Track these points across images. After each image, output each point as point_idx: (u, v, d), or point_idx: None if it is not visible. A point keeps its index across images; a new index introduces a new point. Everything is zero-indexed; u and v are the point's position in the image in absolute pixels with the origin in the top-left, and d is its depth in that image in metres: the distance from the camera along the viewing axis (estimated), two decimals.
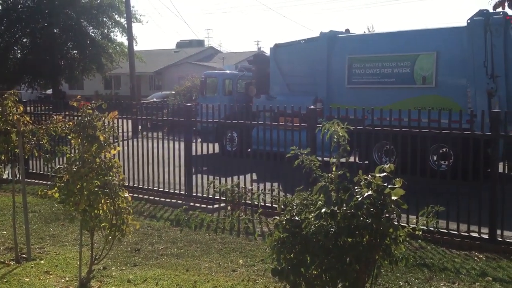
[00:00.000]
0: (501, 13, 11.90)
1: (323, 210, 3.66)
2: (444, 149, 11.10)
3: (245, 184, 9.12)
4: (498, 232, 7.01)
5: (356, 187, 3.72)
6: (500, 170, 7.31)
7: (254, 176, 9.71)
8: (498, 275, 6.00)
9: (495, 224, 6.99)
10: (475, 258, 6.61)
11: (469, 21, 12.34)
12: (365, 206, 3.57)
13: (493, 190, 7.01)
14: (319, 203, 3.75)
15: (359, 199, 3.59)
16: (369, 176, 3.71)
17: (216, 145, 13.88)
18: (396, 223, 3.70)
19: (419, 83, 13.07)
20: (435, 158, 11.49)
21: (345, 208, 3.64)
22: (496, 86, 11.86)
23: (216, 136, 14.47)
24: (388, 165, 3.73)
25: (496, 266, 6.29)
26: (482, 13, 12.24)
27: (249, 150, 9.83)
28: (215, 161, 10.18)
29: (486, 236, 7.07)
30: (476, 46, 12.07)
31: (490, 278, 5.88)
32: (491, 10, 11.96)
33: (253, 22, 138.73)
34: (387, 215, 3.60)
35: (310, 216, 3.70)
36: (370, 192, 3.59)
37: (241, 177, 9.28)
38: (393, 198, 3.60)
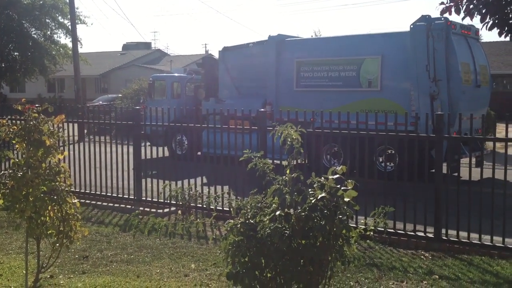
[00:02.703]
0: (442, 19, 12.29)
1: (277, 213, 3.68)
2: (390, 151, 11.39)
3: (195, 188, 9.03)
4: (443, 231, 7.25)
5: (309, 190, 3.76)
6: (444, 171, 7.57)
7: (205, 180, 9.66)
8: (444, 273, 6.19)
9: (440, 223, 7.22)
10: (422, 257, 6.81)
11: (412, 26, 12.70)
12: (318, 208, 3.61)
13: (437, 190, 7.25)
14: (273, 205, 3.76)
15: (313, 201, 3.63)
16: (322, 178, 3.75)
17: (165, 148, 13.77)
18: (348, 224, 3.76)
19: (365, 87, 13.34)
20: (381, 159, 11.79)
21: (299, 210, 3.67)
22: (438, 89, 12.25)
23: (165, 140, 14.34)
24: (340, 167, 3.79)
25: (442, 264, 6.50)
26: (424, 18, 12.62)
27: (199, 153, 9.79)
28: (165, 165, 10.05)
29: (431, 235, 7.29)
30: (419, 51, 12.44)
31: (437, 276, 6.06)
32: (433, 16, 12.41)
33: (201, 25, 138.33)
34: (340, 216, 3.66)
35: (265, 219, 3.72)
36: (323, 194, 3.64)
37: (192, 180, 9.21)
38: (346, 199, 3.66)
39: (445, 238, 7.22)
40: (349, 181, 3.76)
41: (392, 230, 7.43)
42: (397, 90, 12.91)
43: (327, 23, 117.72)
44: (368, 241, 7.16)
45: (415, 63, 12.52)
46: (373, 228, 4.30)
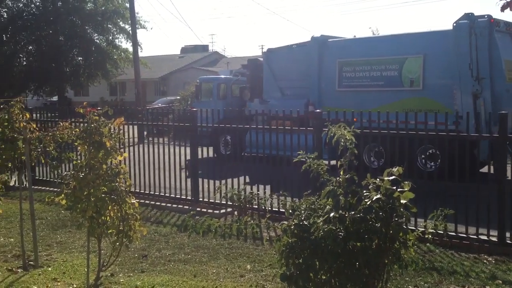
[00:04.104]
0: (486, 16, 12.20)
1: (331, 215, 3.63)
2: (431, 150, 11.40)
3: (250, 189, 9.10)
4: (507, 234, 6.96)
5: (364, 191, 3.69)
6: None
7: (259, 180, 9.68)
8: (508, 278, 5.94)
9: (504, 226, 6.94)
10: (484, 261, 6.56)
11: (455, 24, 12.56)
12: (374, 210, 3.54)
13: (501, 192, 6.97)
14: (327, 207, 3.72)
15: (368, 203, 3.56)
16: (378, 179, 3.68)
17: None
18: (405, 226, 3.67)
19: (407, 86, 13.33)
20: (423, 160, 11.77)
21: (353, 212, 3.61)
22: (481, 88, 12.05)
23: (211, 140, 14.65)
24: (397, 168, 3.71)
25: (506, 269, 6.24)
26: (467, 16, 12.47)
27: (245, 153, 9.95)
28: (220, 166, 10.16)
29: (495, 239, 7.02)
30: (462, 49, 12.29)
31: (500, 281, 5.83)
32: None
33: (257, 27, 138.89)
34: (396, 219, 3.58)
35: (319, 221, 3.67)
36: (379, 196, 3.56)
37: (242, 179, 9.30)
38: (402, 201, 3.57)
39: (510, 242, 6.94)
40: (406, 182, 3.67)
41: (453, 233, 7.21)
42: (439, 89, 12.80)
43: (386, 21, 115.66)
44: (428, 244, 6.96)
45: (457, 62, 12.36)
46: (432, 231, 4.18)
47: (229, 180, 9.34)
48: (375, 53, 13.98)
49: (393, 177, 3.65)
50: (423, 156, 12.27)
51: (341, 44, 15.24)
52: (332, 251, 3.57)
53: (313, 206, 3.83)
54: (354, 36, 16.11)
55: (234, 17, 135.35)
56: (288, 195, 8.19)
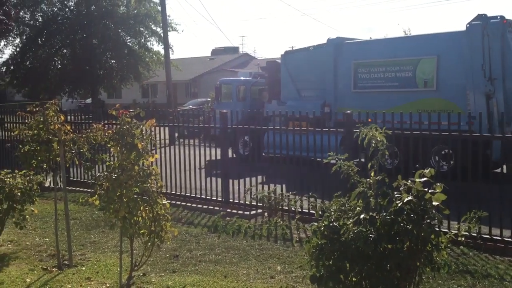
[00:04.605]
0: (498, 17, 12.27)
1: (362, 216, 3.61)
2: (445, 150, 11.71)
3: (281, 190, 9.10)
4: None
5: (395, 193, 3.66)
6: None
7: (288, 182, 9.68)
8: None
9: None
10: None
11: (468, 25, 12.64)
12: (405, 212, 3.51)
13: None
14: (357, 209, 3.70)
15: (399, 204, 3.53)
16: (409, 181, 3.64)
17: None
18: (437, 229, 3.62)
19: (421, 87, 13.50)
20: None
21: (384, 214, 3.59)
22: (494, 88, 12.12)
23: (231, 141, 14.84)
24: (428, 169, 3.66)
25: None
26: (480, 17, 12.55)
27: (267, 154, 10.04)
28: (251, 167, 10.18)
29: None
30: (475, 50, 12.39)
31: None
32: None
33: (287, 28, 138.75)
34: (428, 221, 3.53)
35: (349, 222, 3.66)
36: (410, 198, 3.53)
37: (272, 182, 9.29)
38: (434, 203, 3.53)
39: None
40: (438, 184, 3.63)
41: (488, 236, 7.06)
42: (453, 89, 12.90)
43: (417, 21, 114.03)
44: (461, 247, 6.84)
45: (470, 62, 12.46)
46: (465, 233, 4.11)
47: (258, 181, 9.36)
48: (390, 55, 14.23)
49: (424, 178, 3.61)
50: (437, 156, 12.44)
51: (356, 45, 15.51)
52: (363, 253, 3.55)
53: (343, 208, 3.82)
54: (370, 38, 16.27)
55: (265, 18, 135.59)
56: (318, 196, 8.19)
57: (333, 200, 3.96)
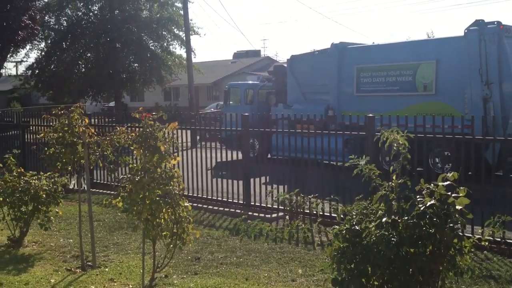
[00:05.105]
0: (495, 23, 12.49)
1: (384, 220, 3.60)
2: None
3: (301, 193, 9.08)
4: None
5: (418, 196, 3.64)
6: None
7: (309, 185, 9.66)
8: None
9: None
10: None
11: (466, 31, 12.89)
12: (428, 216, 3.49)
13: None
14: (379, 212, 3.69)
15: (422, 208, 3.51)
16: (432, 184, 3.62)
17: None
18: (460, 233, 3.59)
19: (420, 91, 13.80)
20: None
21: (406, 217, 3.57)
22: (491, 92, 12.35)
23: (239, 143, 14.99)
24: (452, 173, 3.63)
25: None
26: (477, 23, 12.78)
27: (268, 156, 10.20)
28: (272, 170, 10.19)
29: None
30: (472, 55, 12.65)
31: None
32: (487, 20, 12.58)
33: (309, 31, 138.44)
34: (451, 225, 3.50)
35: (371, 226, 3.65)
36: (433, 201, 3.51)
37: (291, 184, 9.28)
38: (457, 207, 3.50)
39: None
40: (461, 188, 3.60)
41: None
42: (451, 93, 13.15)
43: (441, 24, 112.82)
44: (485, 252, 6.74)
45: (468, 67, 12.72)
46: (489, 238, 4.07)
47: (279, 184, 9.37)
48: (390, 59, 14.51)
49: (447, 182, 3.58)
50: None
51: (358, 50, 15.84)
52: (385, 256, 3.54)
53: (365, 211, 3.81)
54: (373, 42, 16.44)
55: (286, 21, 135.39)
56: (340, 200, 8.16)
57: (354, 203, 3.95)
